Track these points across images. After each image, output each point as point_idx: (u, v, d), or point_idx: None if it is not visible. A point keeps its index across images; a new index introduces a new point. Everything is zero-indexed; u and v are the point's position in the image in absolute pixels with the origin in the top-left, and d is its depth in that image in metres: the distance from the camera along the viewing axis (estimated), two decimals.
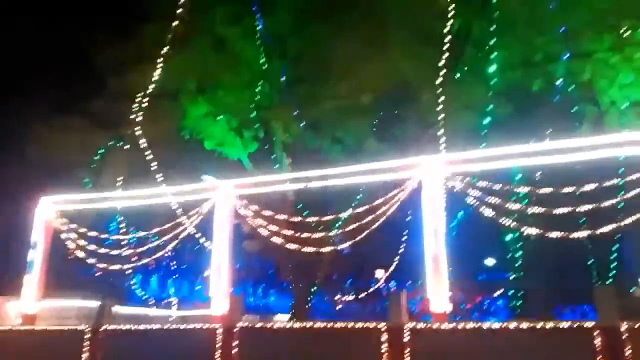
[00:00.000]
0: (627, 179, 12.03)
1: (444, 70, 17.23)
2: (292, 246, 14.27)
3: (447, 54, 17.18)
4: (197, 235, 14.80)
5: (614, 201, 12.06)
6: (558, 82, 17.30)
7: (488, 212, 12.43)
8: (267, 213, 14.46)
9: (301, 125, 19.90)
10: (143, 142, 19.41)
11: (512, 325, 10.93)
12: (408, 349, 10.85)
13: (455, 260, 16.35)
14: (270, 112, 20.32)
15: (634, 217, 11.99)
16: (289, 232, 14.50)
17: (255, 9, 20.15)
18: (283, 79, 20.25)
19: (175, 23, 19.68)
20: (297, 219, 14.99)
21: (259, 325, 13.37)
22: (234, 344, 12.20)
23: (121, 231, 17.74)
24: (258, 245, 21.13)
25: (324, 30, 19.11)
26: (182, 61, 20.03)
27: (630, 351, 9.44)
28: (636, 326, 9.60)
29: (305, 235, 14.39)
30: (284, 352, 11.82)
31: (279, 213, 14.69)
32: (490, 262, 27.92)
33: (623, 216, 12.29)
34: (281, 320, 21.39)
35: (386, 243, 19.26)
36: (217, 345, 12.25)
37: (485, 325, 11.27)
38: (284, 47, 20.27)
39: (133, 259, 15.64)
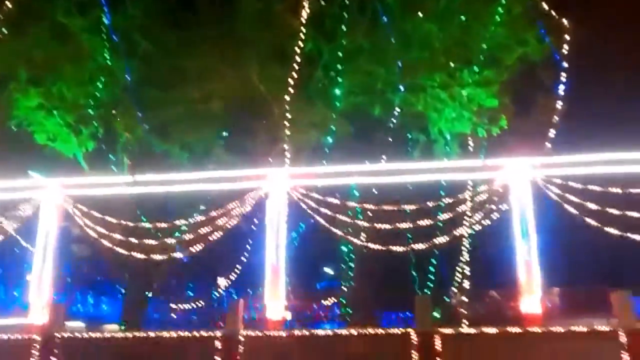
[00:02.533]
0: (446, 202, 13.62)
1: (294, 89, 17.91)
2: (125, 252, 13.67)
3: (297, 74, 17.88)
4: (18, 236, 13.49)
5: (432, 221, 13.55)
6: (395, 110, 18.88)
7: (325, 224, 13.17)
8: (100, 216, 13.71)
9: (147, 128, 19.10)
10: None
11: (344, 331, 11.77)
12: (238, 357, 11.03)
13: (295, 269, 16.96)
14: (113, 111, 19.23)
15: (447, 237, 13.71)
16: (123, 238, 13.89)
17: (103, 2, 19.01)
18: (129, 78, 19.28)
19: (7, 4, 17.91)
20: (134, 224, 14.35)
21: (81, 335, 12.51)
22: (51, 357, 11.38)
23: None
24: (89, 249, 19.75)
25: (178, 39, 18.71)
26: (15, 47, 18.20)
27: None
28: (444, 331, 11.02)
29: (141, 241, 13.87)
30: None
31: (115, 217, 13.97)
32: (329, 271, 29.29)
33: (441, 234, 13.95)
34: (112, 330, 20.05)
35: (229, 251, 19.24)
36: (34, 358, 11.32)
37: (318, 331, 12.01)
38: (132, 46, 19.35)
39: None
